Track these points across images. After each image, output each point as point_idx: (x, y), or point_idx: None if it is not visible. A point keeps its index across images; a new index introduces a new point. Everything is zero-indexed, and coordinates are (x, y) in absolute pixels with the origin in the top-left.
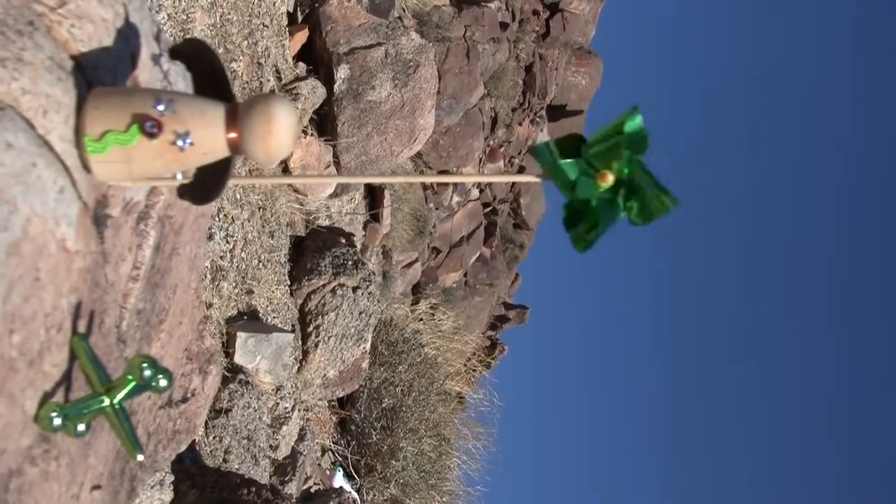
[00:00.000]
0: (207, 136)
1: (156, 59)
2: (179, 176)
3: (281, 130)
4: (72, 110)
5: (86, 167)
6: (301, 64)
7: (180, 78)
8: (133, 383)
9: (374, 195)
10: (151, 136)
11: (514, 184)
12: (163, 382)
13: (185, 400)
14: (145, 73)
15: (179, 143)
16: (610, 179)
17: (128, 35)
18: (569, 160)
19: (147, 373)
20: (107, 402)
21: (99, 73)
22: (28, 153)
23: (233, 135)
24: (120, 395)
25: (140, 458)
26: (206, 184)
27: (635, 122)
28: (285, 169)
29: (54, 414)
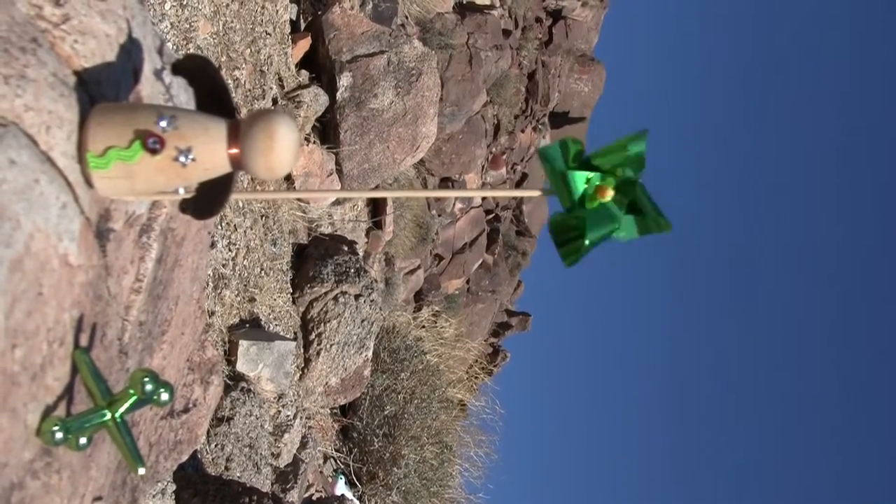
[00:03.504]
0: (209, 151)
1: (158, 74)
2: (181, 191)
3: (282, 147)
4: (74, 126)
5: (88, 183)
6: (304, 72)
7: (182, 91)
8: (134, 397)
9: (376, 202)
10: (154, 152)
11: None
12: (164, 396)
13: (186, 410)
14: (148, 88)
15: (181, 158)
16: (609, 195)
17: (130, 50)
18: (581, 172)
19: (148, 387)
20: (108, 415)
21: (102, 89)
22: (31, 169)
23: (234, 151)
24: (121, 409)
25: (141, 471)
26: (207, 198)
27: (640, 146)
28: (288, 176)
29: (56, 428)
